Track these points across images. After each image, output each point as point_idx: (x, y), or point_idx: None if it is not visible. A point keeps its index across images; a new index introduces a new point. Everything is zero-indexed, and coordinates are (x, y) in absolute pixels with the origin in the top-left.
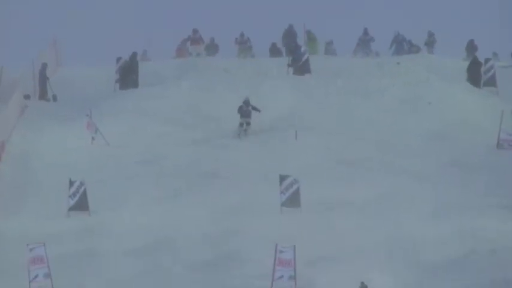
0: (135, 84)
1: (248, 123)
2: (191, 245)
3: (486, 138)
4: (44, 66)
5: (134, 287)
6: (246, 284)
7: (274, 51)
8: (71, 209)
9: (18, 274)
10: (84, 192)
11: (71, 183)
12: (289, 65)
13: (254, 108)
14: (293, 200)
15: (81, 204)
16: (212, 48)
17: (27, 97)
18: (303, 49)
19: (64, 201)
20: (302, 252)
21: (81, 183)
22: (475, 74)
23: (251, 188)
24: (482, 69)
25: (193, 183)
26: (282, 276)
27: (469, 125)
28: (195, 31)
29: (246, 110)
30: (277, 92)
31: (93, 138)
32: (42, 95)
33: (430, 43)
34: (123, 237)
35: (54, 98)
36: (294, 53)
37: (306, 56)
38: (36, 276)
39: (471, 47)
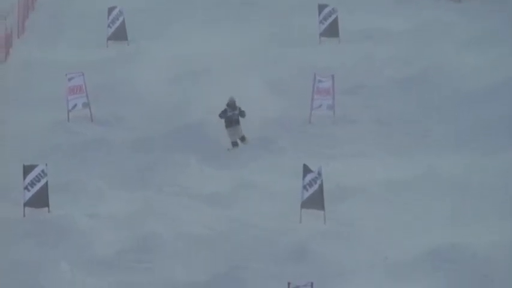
0: None
1: (243, 139)
2: (230, 72)
3: None
4: None
5: (170, 115)
6: (285, 113)
7: None
8: (110, 38)
9: (57, 104)
10: (123, 22)
11: (110, 10)
12: None
13: (241, 113)
14: (331, 30)
15: (120, 34)
16: None
17: None
18: None
19: (103, 31)
20: (340, 81)
21: (120, 12)
22: None
23: (290, 17)
24: None
25: (231, 13)
26: (320, 105)
27: None
28: None
29: (231, 115)
30: None
31: None
32: None
33: None
34: (160, 67)
35: None
36: None
37: None
38: (75, 106)
39: None
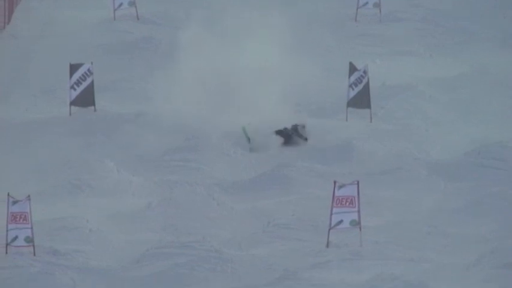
0: None
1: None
2: None
3: None
4: None
5: (220, 14)
6: (329, 11)
7: None
8: None
9: (103, 3)
10: None
11: None
12: None
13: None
14: None
15: None
16: None
17: None
18: None
19: None
20: None
21: None
22: None
23: None
24: None
25: None
26: (367, 3)
27: None
28: None
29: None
30: None
31: None
32: None
33: None
34: None
35: None
36: None
37: None
38: (121, 4)
39: None
